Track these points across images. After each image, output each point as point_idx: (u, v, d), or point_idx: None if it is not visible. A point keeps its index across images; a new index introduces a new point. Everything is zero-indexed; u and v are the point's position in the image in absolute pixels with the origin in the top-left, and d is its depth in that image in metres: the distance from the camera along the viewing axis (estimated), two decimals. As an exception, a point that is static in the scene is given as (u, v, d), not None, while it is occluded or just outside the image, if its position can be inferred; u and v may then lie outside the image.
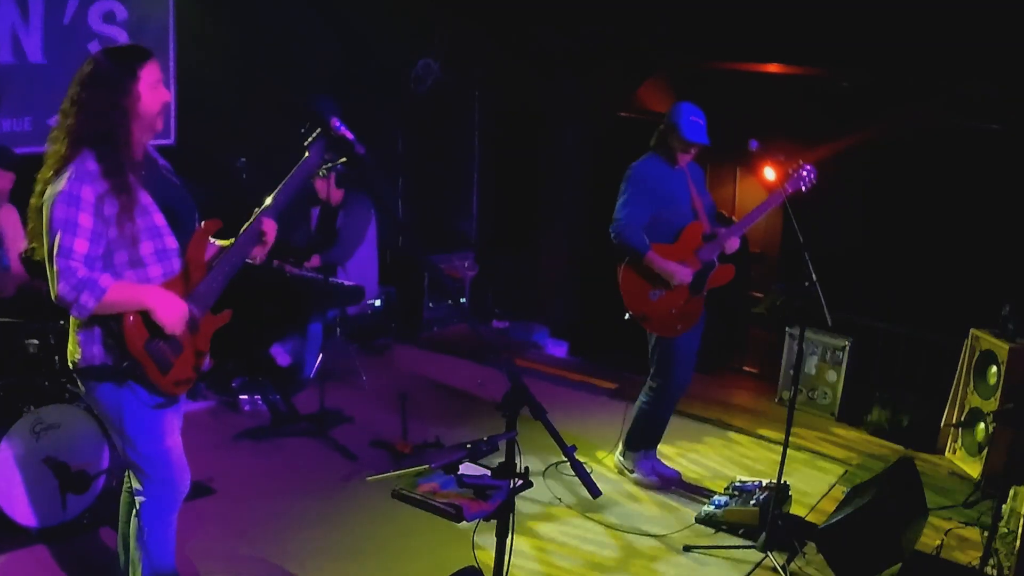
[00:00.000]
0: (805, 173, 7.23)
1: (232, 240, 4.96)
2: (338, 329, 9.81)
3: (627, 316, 7.50)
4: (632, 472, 7.91)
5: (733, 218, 9.93)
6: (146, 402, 4.68)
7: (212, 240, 4.97)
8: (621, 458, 8.02)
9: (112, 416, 4.73)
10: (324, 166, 5.33)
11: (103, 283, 4.37)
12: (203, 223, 4.87)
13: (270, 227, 4.98)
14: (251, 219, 4.94)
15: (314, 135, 5.08)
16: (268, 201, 4.96)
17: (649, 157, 7.49)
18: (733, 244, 7.43)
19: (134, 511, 4.95)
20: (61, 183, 4.40)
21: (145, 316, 4.53)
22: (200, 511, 6.77)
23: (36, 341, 6.71)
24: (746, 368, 11.04)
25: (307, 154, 5.05)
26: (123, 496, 5.25)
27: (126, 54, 4.68)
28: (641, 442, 7.90)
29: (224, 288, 4.91)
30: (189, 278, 4.77)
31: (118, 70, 4.56)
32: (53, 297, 4.39)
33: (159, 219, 4.69)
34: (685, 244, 7.41)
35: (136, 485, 4.92)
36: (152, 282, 4.63)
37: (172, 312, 4.59)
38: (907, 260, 9.30)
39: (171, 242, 4.74)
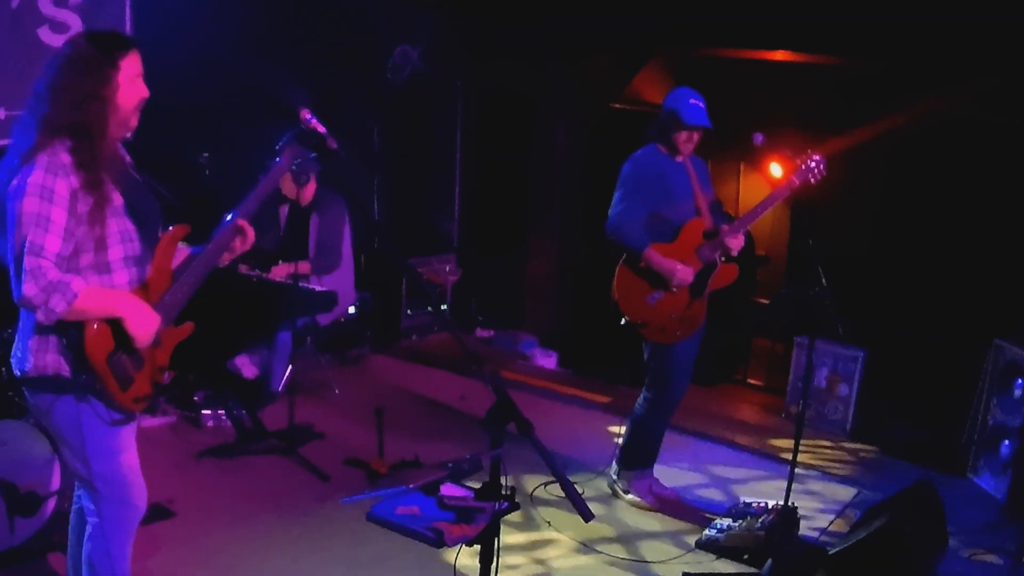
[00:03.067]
0: (813, 164, 7.21)
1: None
2: (309, 338, 9.80)
3: (623, 322, 7.50)
4: (627, 493, 7.90)
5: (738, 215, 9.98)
6: (104, 418, 4.66)
7: (181, 245, 4.98)
8: (615, 478, 8.01)
9: (66, 432, 4.71)
10: (298, 146, 5.37)
11: (75, 287, 4.34)
12: (171, 228, 4.87)
13: (248, 229, 5.01)
14: (220, 226, 4.96)
15: (285, 138, 5.13)
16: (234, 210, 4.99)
17: (648, 148, 7.49)
18: (737, 242, 7.40)
19: (86, 534, 4.94)
20: (32, 174, 4.37)
21: (113, 325, 4.52)
22: (159, 534, 6.77)
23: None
24: (751, 380, 11.06)
25: (278, 159, 5.10)
26: (72, 518, 5.24)
27: (109, 41, 4.66)
28: (637, 460, 7.90)
29: (189, 299, 4.92)
30: (155, 287, 4.77)
31: (99, 57, 4.55)
32: (17, 297, 4.36)
33: (130, 223, 4.69)
34: (685, 242, 7.40)
35: (89, 505, 4.90)
36: (118, 288, 4.63)
37: (145, 324, 4.59)
38: (925, 264, 9.31)
39: (139, 247, 4.74)
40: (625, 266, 7.46)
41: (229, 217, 4.97)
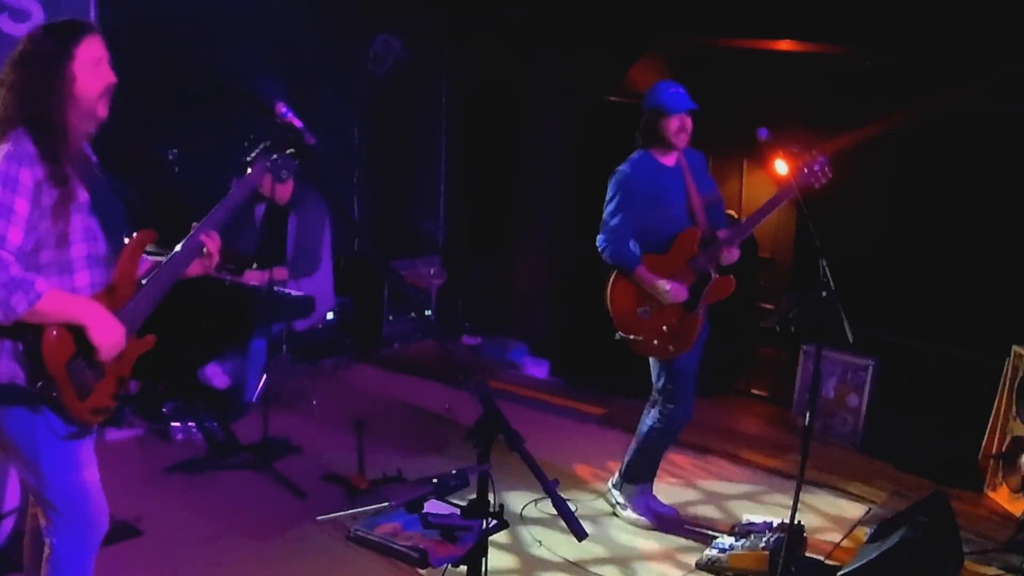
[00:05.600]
0: (817, 167, 7.14)
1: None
2: (284, 346, 9.79)
3: (617, 336, 7.51)
4: (625, 509, 7.90)
5: (740, 217, 9.95)
6: (58, 432, 4.63)
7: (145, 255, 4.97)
8: (616, 491, 8.00)
9: (20, 445, 4.68)
10: (269, 158, 5.36)
11: (39, 287, 4.31)
12: (137, 233, 4.86)
13: (214, 242, 5.00)
14: (189, 234, 4.96)
15: (257, 151, 5.13)
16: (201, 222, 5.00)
17: (638, 157, 7.47)
18: (731, 254, 7.36)
19: (44, 556, 4.92)
20: None
21: (74, 331, 4.50)
22: (126, 555, 6.76)
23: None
24: (755, 391, 11.07)
25: (249, 171, 5.10)
26: (27, 538, 5.23)
27: (61, 30, 4.66)
28: (643, 473, 7.91)
29: (153, 309, 4.90)
30: (118, 293, 4.75)
31: (51, 48, 4.55)
32: None
33: (95, 221, 4.68)
34: (678, 254, 7.39)
35: (47, 525, 4.88)
36: (79, 291, 4.61)
37: (110, 334, 4.57)
38: (940, 267, 9.30)
39: (103, 248, 4.74)
40: (618, 278, 7.48)
41: (194, 229, 4.98)
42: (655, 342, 7.44)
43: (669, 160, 7.43)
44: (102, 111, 4.71)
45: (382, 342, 11.69)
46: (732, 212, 10.11)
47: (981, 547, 7.68)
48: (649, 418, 7.79)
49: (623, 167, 7.44)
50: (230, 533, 7.35)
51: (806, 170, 7.12)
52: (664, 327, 7.39)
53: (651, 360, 7.66)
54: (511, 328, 12.21)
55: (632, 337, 7.45)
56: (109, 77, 4.69)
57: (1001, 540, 7.82)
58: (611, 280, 7.50)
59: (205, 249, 4.99)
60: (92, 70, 4.61)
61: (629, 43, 11.05)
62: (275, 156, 5.41)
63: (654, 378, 7.70)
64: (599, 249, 7.40)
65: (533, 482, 4.15)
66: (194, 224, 5.00)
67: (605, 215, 7.42)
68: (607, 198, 7.43)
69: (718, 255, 7.33)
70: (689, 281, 7.36)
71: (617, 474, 8.03)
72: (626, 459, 7.94)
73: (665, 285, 7.28)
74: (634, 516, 7.84)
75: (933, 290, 9.34)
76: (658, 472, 8.02)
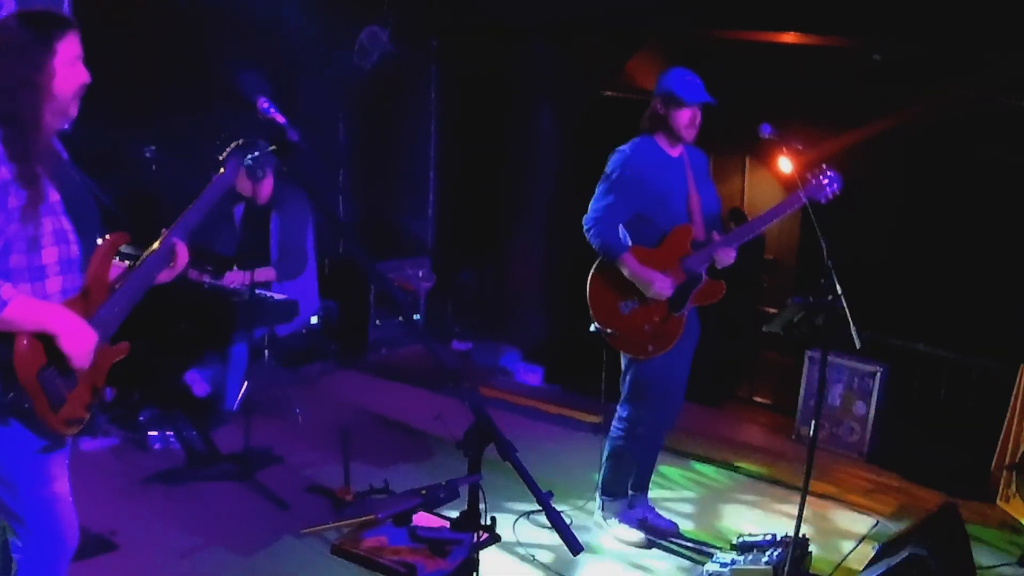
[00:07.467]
0: (826, 181, 7.06)
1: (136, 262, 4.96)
2: (266, 352, 9.77)
3: (592, 328, 7.48)
4: (613, 526, 7.87)
5: (746, 211, 9.95)
6: (30, 445, 4.61)
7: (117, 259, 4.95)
8: (598, 510, 7.95)
9: (-12, 458, 4.68)
10: (249, 156, 5.37)
11: (4, 294, 4.27)
12: (109, 236, 4.85)
13: (181, 250, 4.99)
14: (159, 239, 4.95)
15: (230, 148, 5.13)
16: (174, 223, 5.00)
17: (642, 140, 7.42)
18: (726, 257, 7.29)
19: (12, 573, 4.91)
20: None
21: (44, 340, 4.48)
22: (100, 570, 6.75)
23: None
24: (757, 399, 11.07)
25: (222, 169, 5.10)
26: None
27: (43, 22, 4.60)
28: (620, 486, 7.86)
29: (126, 315, 4.89)
30: (90, 299, 4.73)
31: (32, 40, 4.51)
32: None
33: (67, 223, 4.65)
34: (670, 250, 7.35)
35: (15, 541, 4.87)
36: (51, 297, 4.57)
37: (82, 342, 4.54)
38: (951, 270, 9.28)
39: (76, 251, 4.71)
40: (600, 268, 7.46)
41: (164, 235, 4.98)
42: (634, 340, 7.42)
43: (673, 151, 7.40)
44: (73, 110, 4.69)
45: (368, 347, 11.69)
46: (739, 208, 10.13)
47: (993, 562, 7.69)
48: (611, 425, 7.79)
49: (624, 147, 7.39)
50: (210, 546, 7.34)
51: (813, 182, 7.09)
52: (645, 325, 7.35)
53: (623, 360, 7.65)
54: (503, 333, 12.20)
55: (609, 331, 7.45)
56: (84, 76, 4.67)
57: (1014, 554, 7.83)
58: (593, 267, 7.49)
59: (174, 256, 4.99)
60: (69, 67, 4.58)
61: (626, 35, 11.05)
62: (251, 154, 5.42)
63: (621, 378, 7.69)
64: (584, 229, 7.36)
65: (526, 494, 4.15)
66: (164, 229, 5.00)
67: (597, 194, 7.39)
68: (602, 177, 7.39)
69: (712, 256, 7.32)
70: (679, 280, 7.32)
71: (597, 489, 8.03)
72: (600, 474, 7.95)
73: (654, 276, 7.22)
74: (622, 531, 7.80)
75: (944, 294, 9.32)
76: (654, 482, 8.01)
